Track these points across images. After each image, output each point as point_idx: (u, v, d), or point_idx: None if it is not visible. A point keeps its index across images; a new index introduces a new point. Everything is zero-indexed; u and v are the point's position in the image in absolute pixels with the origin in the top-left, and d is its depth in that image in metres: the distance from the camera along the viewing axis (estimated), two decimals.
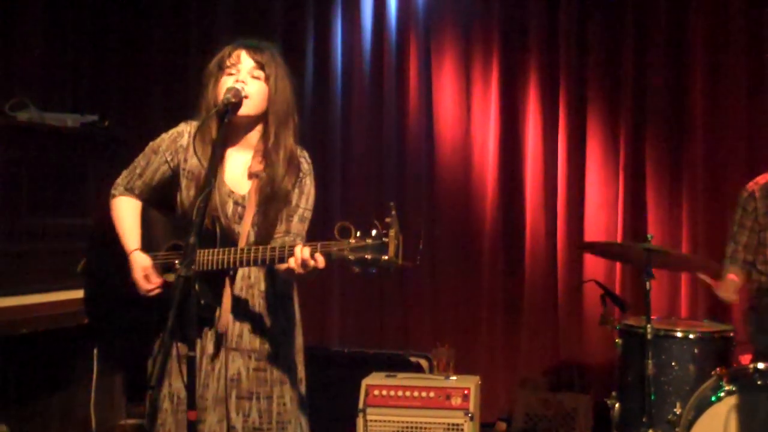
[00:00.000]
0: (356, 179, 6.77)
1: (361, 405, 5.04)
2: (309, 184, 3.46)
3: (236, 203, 3.36)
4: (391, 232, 2.85)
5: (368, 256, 2.86)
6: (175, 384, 3.33)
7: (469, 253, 6.61)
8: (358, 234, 2.89)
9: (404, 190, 6.71)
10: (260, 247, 3.10)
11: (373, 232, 2.86)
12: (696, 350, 4.63)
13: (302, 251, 2.96)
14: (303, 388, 3.55)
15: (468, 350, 6.35)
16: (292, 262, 2.98)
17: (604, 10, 6.41)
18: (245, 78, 3.30)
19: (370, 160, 6.77)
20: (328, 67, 6.86)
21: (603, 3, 6.42)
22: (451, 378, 5.20)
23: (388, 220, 2.86)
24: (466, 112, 6.68)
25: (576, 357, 6.35)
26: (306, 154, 3.49)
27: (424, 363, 5.82)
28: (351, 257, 2.88)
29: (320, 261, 2.96)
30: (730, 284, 4.93)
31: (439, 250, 6.64)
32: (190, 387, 2.94)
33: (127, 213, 3.52)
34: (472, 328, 6.54)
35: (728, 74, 6.16)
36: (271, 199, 3.34)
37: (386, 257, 2.85)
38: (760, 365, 4.34)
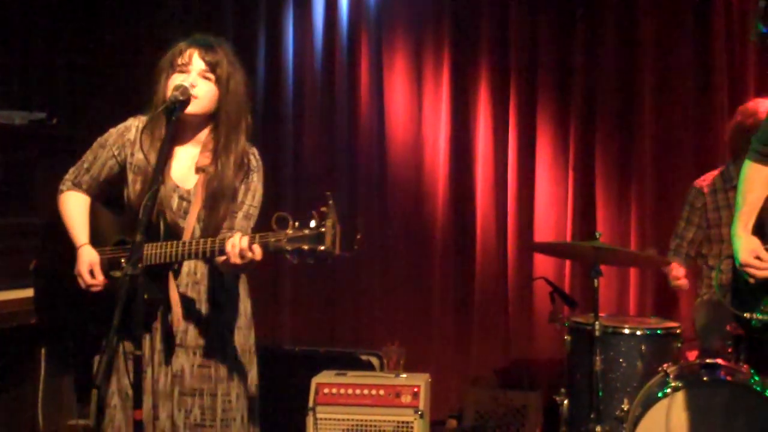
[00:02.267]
0: (307, 177, 6.75)
1: (310, 403, 5.03)
2: (256, 180, 3.46)
3: (182, 198, 3.36)
4: (328, 222, 2.85)
5: (305, 247, 2.86)
6: (123, 381, 3.32)
7: (420, 251, 6.61)
8: (296, 224, 2.89)
9: (355, 189, 6.70)
10: (200, 240, 3.09)
11: (311, 223, 2.87)
12: (643, 347, 4.65)
13: (240, 240, 2.96)
14: (253, 386, 3.54)
15: (419, 348, 6.35)
16: (229, 249, 2.97)
17: (554, 11, 6.45)
18: (195, 79, 3.30)
19: (322, 158, 6.76)
20: (280, 65, 6.84)
21: (553, 3, 6.46)
22: (401, 376, 5.21)
23: (324, 209, 2.87)
24: (417, 111, 6.68)
25: (526, 354, 6.38)
26: (255, 151, 3.48)
27: (375, 361, 5.82)
28: (288, 248, 2.88)
29: (257, 252, 2.96)
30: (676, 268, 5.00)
31: (390, 249, 6.65)
32: (136, 386, 2.93)
33: (75, 208, 3.51)
34: (423, 327, 6.55)
35: (677, 74, 6.22)
36: (219, 197, 3.34)
37: (323, 247, 2.85)
38: (707, 361, 4.39)
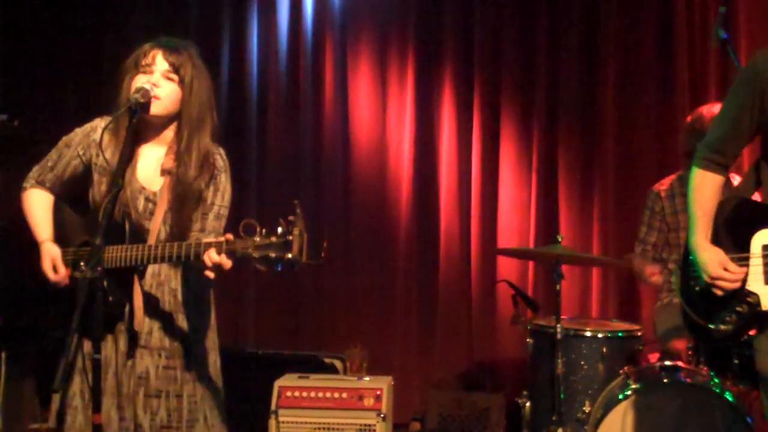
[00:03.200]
0: (272, 180, 6.75)
1: (273, 406, 5.01)
2: (224, 181, 3.45)
3: (147, 199, 3.34)
4: (296, 231, 2.86)
5: (273, 254, 2.86)
6: (85, 383, 3.30)
7: (384, 254, 6.62)
8: (263, 232, 2.89)
9: (320, 191, 6.70)
10: (167, 244, 3.09)
11: (279, 230, 2.87)
12: (604, 349, 4.67)
13: (211, 256, 2.95)
14: (218, 387, 3.53)
15: (382, 351, 6.37)
16: (207, 261, 2.97)
17: (517, 14, 6.48)
18: (158, 80, 3.29)
19: (286, 160, 6.75)
20: (244, 67, 6.83)
21: (517, 7, 6.49)
22: (364, 379, 5.20)
23: (292, 218, 2.87)
24: (381, 114, 6.70)
25: (489, 357, 6.40)
26: (221, 151, 3.48)
27: (338, 364, 5.82)
28: (255, 255, 2.89)
29: (225, 261, 2.96)
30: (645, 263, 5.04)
31: (354, 252, 6.65)
32: (95, 388, 2.92)
33: (37, 205, 3.50)
34: (387, 329, 6.56)
35: (639, 78, 6.27)
36: (184, 198, 3.33)
37: (290, 255, 2.86)
38: (667, 363, 4.42)
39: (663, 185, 5.16)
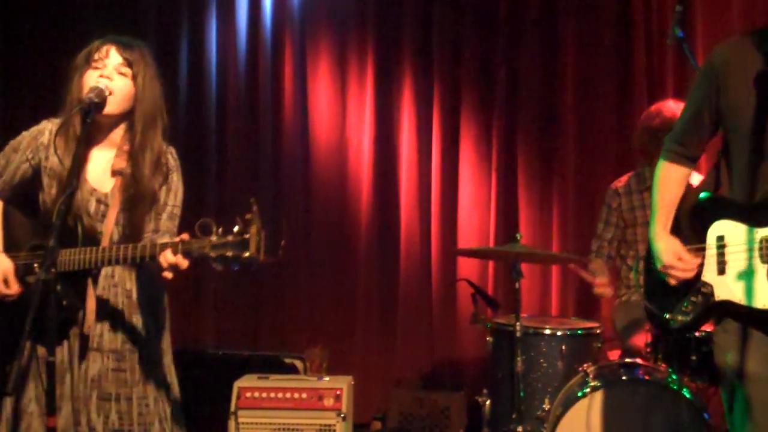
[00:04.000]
0: (231, 179, 6.71)
1: (232, 407, 4.98)
2: (176, 180, 3.42)
3: (99, 201, 3.30)
4: (252, 229, 2.83)
5: (229, 254, 2.84)
6: (40, 387, 3.26)
7: (344, 253, 6.61)
8: (220, 231, 2.87)
9: (280, 191, 6.68)
10: (122, 246, 3.05)
11: (235, 229, 2.85)
12: (564, 347, 4.67)
13: (167, 257, 2.92)
14: (173, 389, 3.50)
15: (343, 351, 6.36)
16: (162, 262, 2.94)
17: (477, 13, 6.49)
18: (111, 73, 3.25)
19: (246, 159, 6.71)
20: (203, 66, 6.79)
21: (477, 6, 6.49)
22: (324, 379, 5.18)
23: (248, 216, 2.85)
24: (341, 113, 6.68)
25: (450, 356, 6.41)
26: (172, 150, 3.45)
27: (298, 364, 5.80)
28: (212, 254, 2.86)
29: (182, 261, 2.92)
30: (599, 269, 5.05)
31: (314, 251, 6.63)
32: (49, 392, 2.88)
33: None
34: (348, 329, 6.55)
35: (598, 77, 6.30)
36: (137, 199, 3.29)
37: (248, 254, 2.84)
38: (626, 360, 4.45)
39: (620, 182, 5.20)
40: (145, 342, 3.39)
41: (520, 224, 6.26)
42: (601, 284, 5.03)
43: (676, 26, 4.68)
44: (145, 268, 3.32)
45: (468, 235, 6.40)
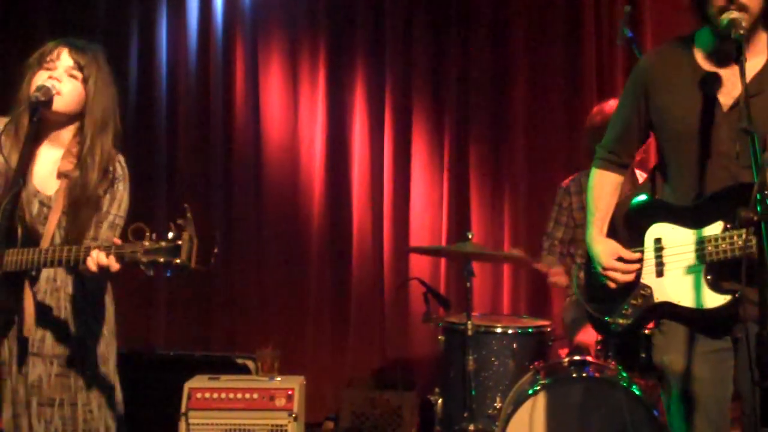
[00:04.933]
0: (182, 179, 6.66)
1: (183, 408, 4.94)
2: (122, 189, 3.36)
3: (42, 203, 3.25)
4: (185, 235, 2.81)
5: (161, 259, 2.81)
6: None
7: (296, 253, 6.59)
8: (153, 236, 2.84)
9: (231, 190, 6.65)
10: (56, 248, 3.01)
11: (170, 235, 2.82)
12: (515, 345, 4.69)
13: (98, 256, 2.89)
14: (116, 395, 3.45)
15: (294, 350, 6.34)
16: (90, 263, 2.91)
17: (428, 13, 6.50)
18: (60, 75, 3.21)
19: (197, 160, 6.67)
20: (153, 66, 6.74)
21: (428, 5, 6.51)
22: (275, 379, 5.15)
23: (180, 222, 2.82)
24: (293, 112, 6.66)
25: (402, 355, 6.41)
26: (121, 159, 3.40)
27: (250, 364, 5.75)
28: (144, 260, 2.83)
29: (113, 264, 2.89)
30: (552, 263, 5.07)
31: (266, 251, 6.61)
32: None
33: None
34: (299, 329, 6.53)
35: (548, 77, 6.36)
36: (81, 204, 3.24)
37: (179, 260, 2.81)
38: (576, 358, 4.47)
39: (572, 181, 5.23)
40: (90, 347, 3.34)
41: (472, 223, 6.29)
42: (556, 273, 5.05)
43: (625, 26, 4.74)
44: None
45: (420, 234, 6.41)
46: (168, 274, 2.85)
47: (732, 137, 2.90)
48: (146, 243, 2.84)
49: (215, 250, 2.93)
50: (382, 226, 6.49)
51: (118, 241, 2.92)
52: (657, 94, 3.12)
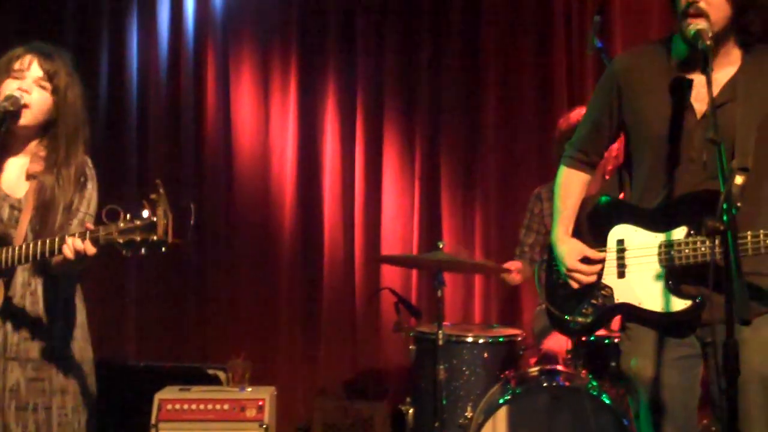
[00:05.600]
0: (153, 188, 6.60)
1: (153, 420, 4.92)
2: (91, 189, 3.38)
3: (12, 207, 3.26)
4: (159, 211, 2.82)
5: (137, 238, 2.82)
6: None
7: (267, 261, 6.57)
8: (127, 216, 2.84)
9: (202, 199, 6.60)
10: (31, 243, 3.01)
11: (144, 213, 2.82)
12: (486, 355, 4.69)
13: (74, 241, 2.89)
14: (91, 399, 3.44)
15: (265, 361, 6.30)
16: (66, 251, 2.90)
17: (400, 22, 6.51)
18: (30, 86, 3.21)
19: (168, 168, 6.62)
20: (124, 74, 6.70)
21: (400, 15, 6.52)
22: (246, 390, 5.14)
23: (154, 197, 2.82)
24: (264, 120, 6.65)
25: (373, 365, 6.40)
26: (88, 161, 3.40)
27: (221, 375, 5.73)
28: (120, 240, 2.84)
29: (89, 247, 2.89)
30: (521, 266, 5.07)
31: (237, 260, 6.58)
32: None
33: None
34: (270, 339, 6.50)
35: (519, 87, 6.37)
36: (51, 206, 3.25)
37: (155, 237, 2.81)
38: (546, 367, 4.48)
39: (544, 188, 5.23)
40: (63, 351, 3.33)
41: (443, 232, 6.29)
42: (512, 265, 5.03)
43: (595, 36, 4.75)
44: (59, 273, 3.26)
45: (391, 244, 6.41)
46: (143, 252, 2.85)
47: (702, 145, 2.92)
48: (121, 224, 2.85)
49: (192, 222, 2.93)
50: (354, 236, 6.48)
51: (92, 227, 2.92)
52: (631, 95, 3.13)
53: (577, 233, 3.30)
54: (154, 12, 6.71)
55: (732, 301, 2.50)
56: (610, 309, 3.18)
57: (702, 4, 2.85)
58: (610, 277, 3.17)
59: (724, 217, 2.51)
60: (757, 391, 2.91)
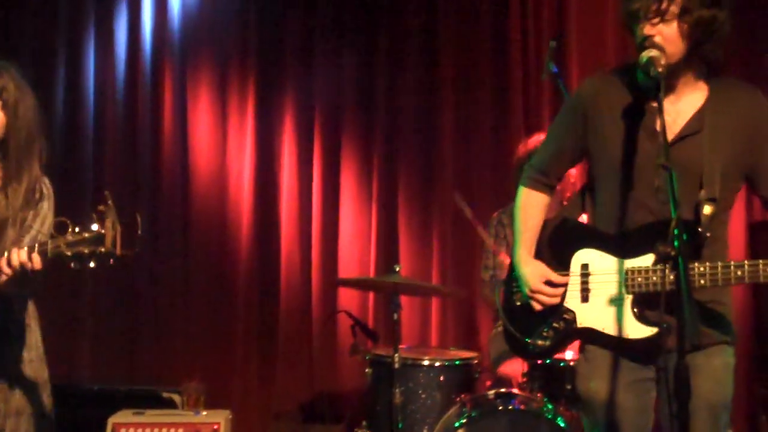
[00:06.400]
0: (102, 199, 6.55)
1: None
2: (46, 208, 3.34)
3: None
4: (108, 222, 2.80)
5: (86, 250, 2.80)
6: None
7: (223, 283, 6.54)
8: (76, 229, 2.82)
9: (159, 221, 6.57)
10: None
11: (93, 226, 2.80)
12: (442, 378, 4.68)
13: (19, 254, 2.86)
14: (47, 421, 3.40)
15: (222, 384, 6.27)
16: (3, 264, 2.87)
17: (358, 47, 6.54)
18: None
19: (124, 190, 6.58)
20: (80, 94, 6.67)
21: (357, 38, 6.54)
22: (201, 413, 5.11)
23: (102, 208, 2.81)
24: (221, 142, 6.63)
25: (330, 388, 6.37)
26: (46, 180, 3.37)
27: (176, 398, 5.70)
28: (68, 253, 2.82)
29: (36, 261, 2.87)
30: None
31: (193, 283, 6.55)
32: None
33: None
34: (227, 361, 6.47)
35: (476, 110, 6.40)
36: (4, 224, 3.20)
37: (104, 249, 2.79)
38: (502, 390, 4.48)
39: (504, 213, 5.23)
40: (18, 373, 3.29)
41: (400, 255, 6.29)
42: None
43: (550, 61, 4.80)
44: (12, 295, 3.22)
45: (348, 266, 6.41)
46: (91, 265, 2.83)
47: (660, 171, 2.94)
48: (69, 236, 2.83)
49: (139, 233, 2.91)
50: (311, 258, 6.47)
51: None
52: (596, 121, 3.14)
53: (538, 255, 3.31)
54: (111, 31, 6.68)
55: (683, 326, 2.52)
56: (571, 333, 3.18)
57: (657, 39, 2.88)
58: (573, 301, 3.18)
59: (675, 243, 2.53)
60: (705, 418, 2.95)
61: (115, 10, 6.70)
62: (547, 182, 3.36)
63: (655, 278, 2.97)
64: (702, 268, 2.88)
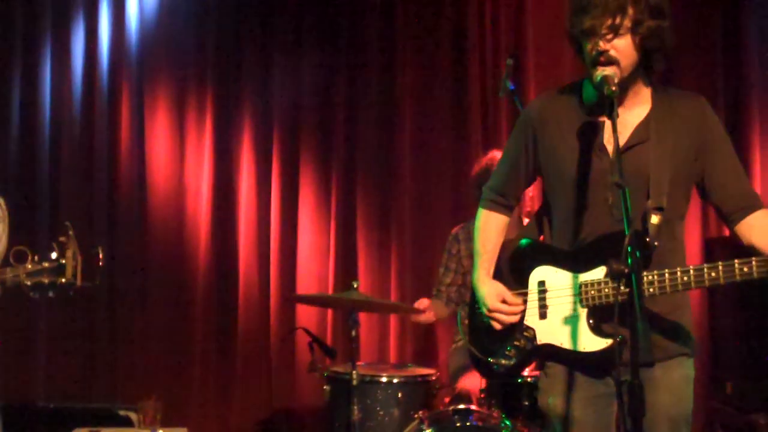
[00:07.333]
0: (63, 229, 6.50)
1: None
2: (1, 230, 3.30)
3: None
4: (68, 253, 2.78)
5: (45, 280, 2.78)
6: None
7: (180, 301, 6.51)
8: (35, 258, 2.79)
9: (115, 238, 6.53)
10: None
11: (52, 255, 2.78)
12: (400, 394, 4.67)
13: None
14: None
15: (179, 401, 6.23)
16: None
17: (316, 64, 6.55)
18: None
19: (80, 207, 6.54)
20: (36, 114, 6.63)
21: (315, 56, 6.54)
22: (157, 431, 5.07)
23: (63, 239, 2.78)
24: (179, 160, 6.61)
25: (288, 405, 6.36)
26: (1, 201, 3.33)
27: (132, 416, 5.64)
28: (28, 283, 2.79)
29: None
30: (434, 306, 5.07)
31: (150, 299, 6.51)
32: None
33: None
34: (184, 378, 6.44)
35: (434, 128, 6.44)
36: None
37: (64, 279, 2.76)
38: (460, 407, 4.48)
39: (461, 229, 5.26)
40: None
41: (359, 272, 6.29)
42: (421, 304, 5.03)
43: (507, 79, 4.83)
44: None
45: (307, 283, 6.40)
46: (51, 295, 2.80)
47: (612, 187, 2.96)
48: (29, 265, 2.80)
49: (101, 264, 2.89)
50: (269, 274, 6.46)
51: None
52: (546, 139, 3.16)
53: (499, 276, 3.32)
54: (68, 47, 6.65)
55: (636, 343, 2.54)
56: (532, 350, 3.19)
57: (612, 52, 2.91)
58: (532, 319, 3.19)
59: (629, 260, 2.55)
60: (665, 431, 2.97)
61: (72, 25, 6.67)
62: (505, 203, 3.39)
63: (607, 290, 2.99)
64: (650, 277, 2.90)
